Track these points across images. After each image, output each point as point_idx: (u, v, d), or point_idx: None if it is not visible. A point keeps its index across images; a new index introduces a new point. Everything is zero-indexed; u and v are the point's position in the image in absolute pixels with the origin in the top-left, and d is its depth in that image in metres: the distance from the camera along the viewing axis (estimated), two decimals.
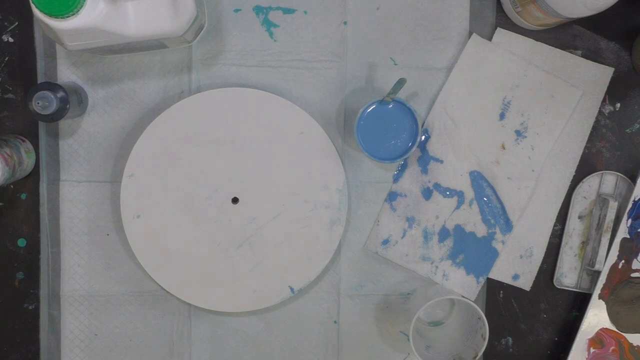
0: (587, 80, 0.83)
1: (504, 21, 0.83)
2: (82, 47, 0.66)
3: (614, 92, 0.84)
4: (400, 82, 0.74)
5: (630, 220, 0.82)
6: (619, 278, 0.82)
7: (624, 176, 0.84)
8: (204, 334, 0.83)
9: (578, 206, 0.84)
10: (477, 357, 0.75)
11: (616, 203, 0.81)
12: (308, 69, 0.81)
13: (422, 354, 0.75)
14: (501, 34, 0.82)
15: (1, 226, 0.81)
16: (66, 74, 0.80)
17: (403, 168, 0.83)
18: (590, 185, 0.84)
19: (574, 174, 0.84)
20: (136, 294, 0.82)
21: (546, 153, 0.83)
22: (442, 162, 0.82)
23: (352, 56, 0.82)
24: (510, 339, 0.86)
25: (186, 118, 0.79)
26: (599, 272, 0.82)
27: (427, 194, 0.83)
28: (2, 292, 0.81)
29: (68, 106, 0.73)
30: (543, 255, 0.84)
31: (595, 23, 0.82)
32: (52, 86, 0.73)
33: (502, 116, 0.82)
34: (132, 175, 0.79)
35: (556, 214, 0.84)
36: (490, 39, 0.82)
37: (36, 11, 0.60)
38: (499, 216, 0.83)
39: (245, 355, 0.83)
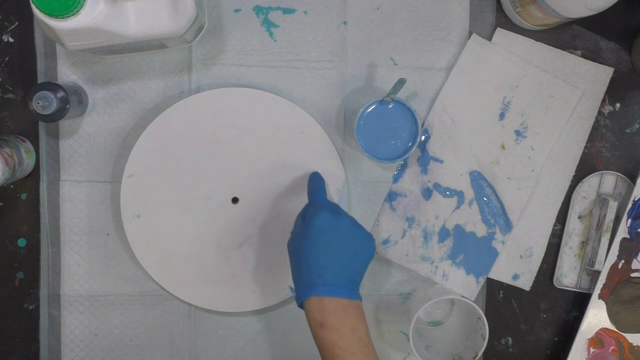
0: (586, 80, 0.83)
1: (504, 21, 0.83)
2: (82, 47, 0.66)
3: (613, 92, 0.84)
4: (400, 82, 0.74)
5: (630, 220, 0.82)
6: (619, 278, 0.82)
7: (624, 176, 0.84)
8: (204, 334, 0.83)
9: (578, 206, 0.84)
10: (477, 357, 0.75)
11: (616, 203, 0.81)
12: (308, 69, 0.81)
13: (422, 354, 0.75)
14: (501, 34, 0.82)
15: (1, 226, 0.81)
16: (66, 74, 0.80)
17: (403, 168, 0.83)
18: (590, 185, 0.84)
19: (573, 174, 0.84)
20: (136, 294, 0.82)
21: (546, 153, 0.83)
22: (442, 162, 0.82)
23: (352, 56, 0.82)
24: (510, 339, 0.86)
25: (186, 118, 0.79)
26: (598, 272, 0.82)
27: (427, 194, 0.83)
28: (2, 292, 0.81)
29: (68, 106, 0.73)
30: (543, 255, 0.84)
31: (595, 23, 0.82)
32: (52, 86, 0.73)
33: (502, 116, 0.82)
34: (132, 175, 0.79)
35: (556, 214, 0.84)
36: (490, 39, 0.82)
37: (36, 11, 0.60)
38: (498, 216, 0.83)
39: (245, 355, 0.83)
